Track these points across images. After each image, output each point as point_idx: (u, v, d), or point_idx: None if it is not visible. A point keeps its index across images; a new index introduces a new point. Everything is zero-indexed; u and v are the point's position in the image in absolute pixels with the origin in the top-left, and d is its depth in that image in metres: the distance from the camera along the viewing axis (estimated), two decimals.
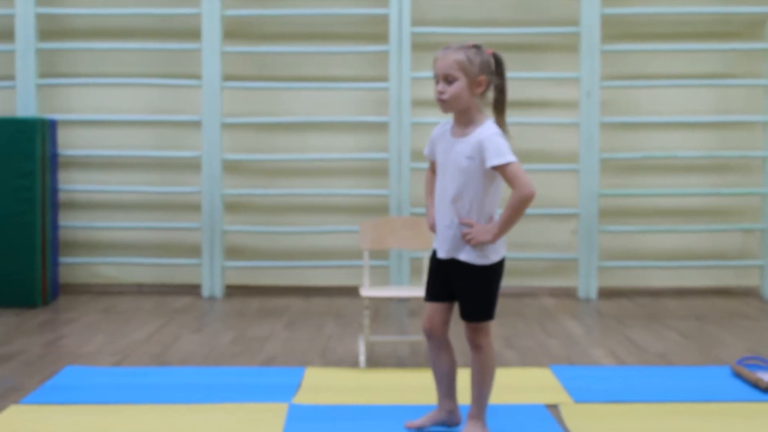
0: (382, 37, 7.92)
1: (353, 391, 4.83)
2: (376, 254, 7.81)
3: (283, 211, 8.14)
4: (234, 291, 8.06)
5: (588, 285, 7.88)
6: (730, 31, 8.10)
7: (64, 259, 7.94)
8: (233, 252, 8.14)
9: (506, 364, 5.50)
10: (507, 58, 8.55)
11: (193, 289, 8.04)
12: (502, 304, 7.50)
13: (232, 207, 8.12)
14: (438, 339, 4.04)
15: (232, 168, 8.11)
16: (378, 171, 8.04)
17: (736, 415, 4.44)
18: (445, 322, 4.04)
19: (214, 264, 7.90)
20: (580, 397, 4.70)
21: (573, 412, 4.43)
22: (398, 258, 7.83)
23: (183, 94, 8.10)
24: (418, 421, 4.15)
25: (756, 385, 4.86)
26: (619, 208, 8.12)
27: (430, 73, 8.04)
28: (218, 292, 7.90)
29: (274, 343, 6.04)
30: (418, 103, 7.96)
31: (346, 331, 6.41)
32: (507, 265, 8.21)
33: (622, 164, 8.11)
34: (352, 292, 7.76)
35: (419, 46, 7.94)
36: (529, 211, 7.83)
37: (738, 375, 5.07)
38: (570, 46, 7.97)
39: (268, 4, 8.10)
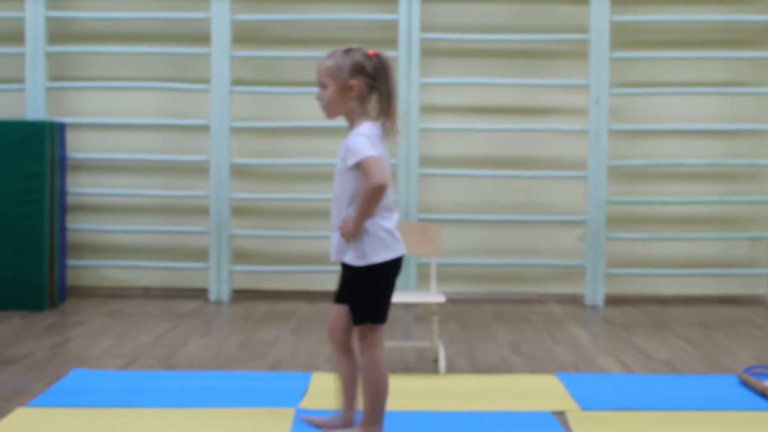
0: (392, 43, 7.92)
1: (360, 397, 4.82)
2: None
3: (291, 216, 8.15)
4: (241, 295, 8.07)
5: (595, 292, 7.88)
6: (739, 40, 8.09)
7: (71, 262, 7.95)
8: (240, 256, 8.15)
9: (513, 370, 5.50)
10: (515, 65, 8.56)
11: (201, 293, 8.05)
12: (508, 310, 7.52)
13: (240, 211, 8.13)
14: (337, 345, 4.01)
15: (240, 172, 8.12)
16: None
17: (744, 423, 4.43)
18: (344, 328, 3.99)
19: (222, 268, 7.91)
20: (587, 404, 4.69)
21: (580, 419, 4.42)
22: (405, 263, 7.83)
23: (192, 98, 8.12)
24: (316, 419, 4.11)
25: (763, 394, 4.84)
26: (626, 215, 8.11)
27: (439, 79, 8.10)
28: (225, 296, 7.91)
29: (280, 348, 6.04)
30: (426, 109, 7.97)
31: None
32: (513, 271, 8.27)
33: (630, 171, 8.11)
34: None
35: (428, 52, 7.95)
36: (536, 217, 7.95)
37: (745, 383, 5.06)
38: (579, 53, 7.97)
39: (277, 8, 8.11)
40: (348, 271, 3.90)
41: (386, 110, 3.87)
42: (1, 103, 8.09)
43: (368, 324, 3.89)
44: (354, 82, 3.81)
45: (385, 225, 3.85)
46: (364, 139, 3.78)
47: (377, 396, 3.92)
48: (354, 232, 3.80)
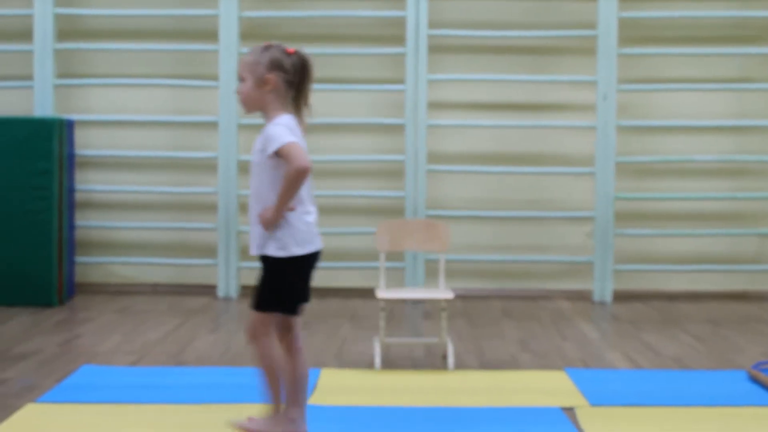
0: (399, 39, 7.92)
1: (369, 393, 4.83)
2: (391, 256, 7.79)
3: None
4: (249, 291, 8.03)
5: (603, 288, 7.87)
6: (747, 36, 8.07)
7: (80, 259, 7.97)
8: (248, 252, 8.13)
9: (521, 366, 5.50)
10: (523, 61, 8.56)
11: (209, 290, 8.06)
12: (517, 307, 7.52)
13: (248, 208, 8.12)
14: (281, 345, 3.99)
15: (247, 169, 8.10)
16: (394, 173, 8.05)
17: (753, 419, 4.43)
18: (286, 328, 3.98)
19: (230, 264, 7.91)
20: (596, 400, 4.69)
21: (589, 415, 4.42)
22: (413, 260, 7.83)
23: (200, 95, 8.12)
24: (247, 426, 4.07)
25: None
26: (635, 211, 8.10)
27: (447, 76, 8.09)
28: (233, 292, 7.92)
29: None
30: (434, 106, 7.96)
31: (362, 333, 6.41)
32: (521, 268, 8.27)
33: (638, 167, 8.10)
34: (367, 293, 7.75)
35: (436, 48, 7.94)
36: (544, 213, 7.95)
37: (754, 379, 5.06)
38: (587, 49, 7.96)
39: (285, 5, 8.11)
40: (267, 263, 3.89)
41: (297, 105, 3.92)
42: (10, 100, 8.10)
43: (276, 313, 3.89)
44: (270, 76, 3.85)
45: (308, 219, 3.88)
46: (282, 127, 3.82)
47: (273, 381, 3.93)
48: (275, 220, 3.82)
